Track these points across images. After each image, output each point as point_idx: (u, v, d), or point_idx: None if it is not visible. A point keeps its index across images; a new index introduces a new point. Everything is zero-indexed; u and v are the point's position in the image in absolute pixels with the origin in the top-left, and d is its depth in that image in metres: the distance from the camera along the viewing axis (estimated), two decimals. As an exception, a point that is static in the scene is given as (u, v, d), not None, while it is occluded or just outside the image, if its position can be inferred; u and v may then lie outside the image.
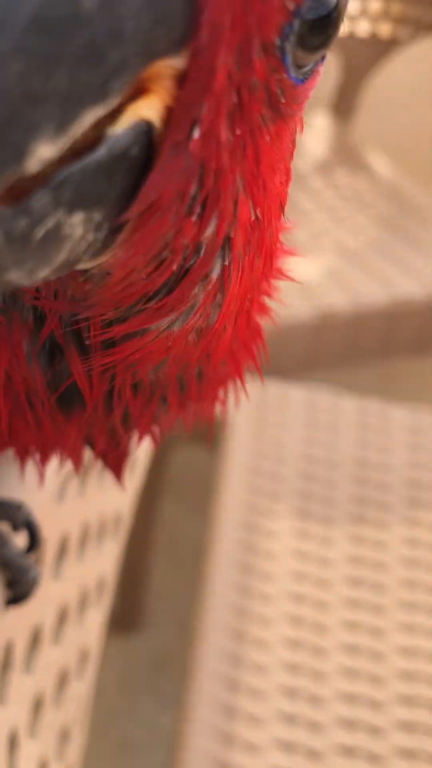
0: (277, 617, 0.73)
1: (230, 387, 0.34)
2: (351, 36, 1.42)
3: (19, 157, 0.18)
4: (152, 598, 1.22)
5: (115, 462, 0.34)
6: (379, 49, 1.43)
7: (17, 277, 0.20)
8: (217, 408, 0.34)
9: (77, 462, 0.34)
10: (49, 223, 0.19)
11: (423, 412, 0.93)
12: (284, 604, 0.75)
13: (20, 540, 0.37)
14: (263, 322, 0.32)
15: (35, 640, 0.40)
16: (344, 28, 1.29)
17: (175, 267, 0.23)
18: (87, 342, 0.27)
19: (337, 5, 0.23)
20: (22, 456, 0.33)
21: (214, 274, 0.24)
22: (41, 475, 0.34)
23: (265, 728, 0.65)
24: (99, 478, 0.47)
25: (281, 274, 0.31)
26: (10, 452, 0.33)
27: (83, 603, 0.46)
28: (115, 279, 0.23)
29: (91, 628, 0.48)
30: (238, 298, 0.26)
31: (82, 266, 0.22)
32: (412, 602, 0.77)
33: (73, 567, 0.43)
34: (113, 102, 0.19)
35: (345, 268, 1.13)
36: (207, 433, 0.88)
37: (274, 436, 0.88)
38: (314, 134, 1.45)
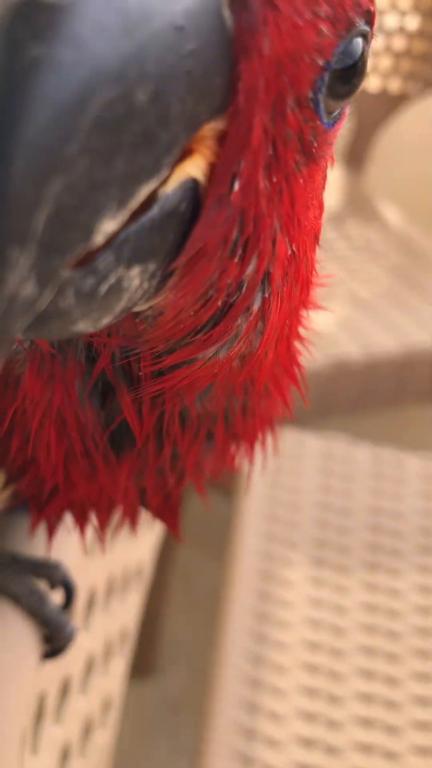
0: (292, 665, 0.74)
1: (274, 423, 0.35)
2: (362, 91, 1.46)
3: (88, 236, 0.20)
4: (167, 643, 1.23)
5: (169, 515, 0.36)
6: (389, 104, 1.47)
7: (84, 326, 0.22)
8: (258, 449, 0.36)
9: (133, 515, 0.35)
10: (112, 279, 0.22)
11: (436, 461, 0.95)
12: (299, 652, 0.76)
13: (56, 597, 0.39)
14: (301, 348, 0.34)
15: (65, 690, 0.41)
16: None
17: (219, 303, 0.25)
18: (136, 375, 0.28)
19: (362, 54, 0.25)
20: (81, 519, 0.34)
21: (256, 306, 0.26)
22: (102, 542, 0.35)
23: (281, 777, 0.66)
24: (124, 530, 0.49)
25: (316, 305, 0.33)
26: (69, 519, 0.34)
27: (108, 653, 0.48)
28: (166, 318, 0.25)
29: (114, 676, 0.49)
30: (279, 325, 0.28)
31: (136, 309, 0.24)
32: (426, 650, 0.77)
33: (99, 618, 0.45)
34: (165, 173, 0.21)
35: (357, 318, 1.15)
36: (224, 479, 0.90)
37: (290, 484, 0.90)
38: (327, 186, 1.49)
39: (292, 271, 0.27)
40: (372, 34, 0.26)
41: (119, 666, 0.52)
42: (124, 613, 0.52)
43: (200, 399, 0.30)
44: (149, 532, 0.58)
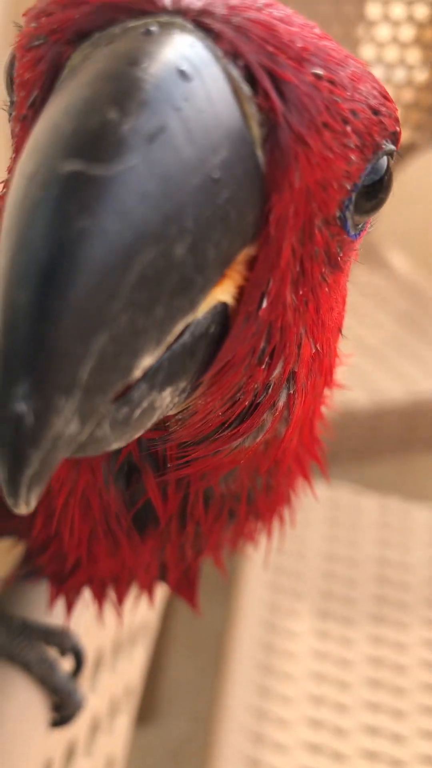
0: (295, 719, 0.73)
1: (294, 499, 0.36)
2: (371, 140, 1.49)
3: (128, 374, 0.20)
4: (169, 689, 1.21)
5: (187, 589, 0.36)
6: (398, 154, 1.50)
7: (117, 445, 0.23)
8: (278, 524, 0.36)
9: (151, 589, 0.35)
10: (145, 404, 0.22)
11: (443, 512, 0.94)
12: (303, 705, 0.75)
13: (66, 663, 0.39)
14: (322, 427, 0.35)
15: (70, 753, 0.41)
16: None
17: (247, 403, 0.25)
18: (162, 459, 0.29)
19: (387, 170, 0.25)
20: (99, 594, 0.34)
21: (281, 403, 0.26)
22: (119, 615, 0.35)
23: None
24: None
25: (337, 384, 0.34)
26: (87, 594, 0.35)
27: (113, 711, 0.48)
28: (194, 419, 0.25)
29: (119, 734, 0.49)
30: (303, 413, 0.28)
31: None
32: (431, 707, 0.77)
33: (106, 678, 0.45)
34: (198, 309, 0.22)
35: (364, 365, 1.15)
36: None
37: (296, 534, 0.90)
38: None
39: (316, 367, 0.27)
40: (397, 150, 0.26)
41: (124, 722, 0.51)
42: (130, 670, 0.52)
43: (225, 480, 0.30)
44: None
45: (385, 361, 1.17)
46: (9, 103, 0.25)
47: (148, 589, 0.36)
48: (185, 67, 0.20)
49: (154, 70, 0.19)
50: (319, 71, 0.22)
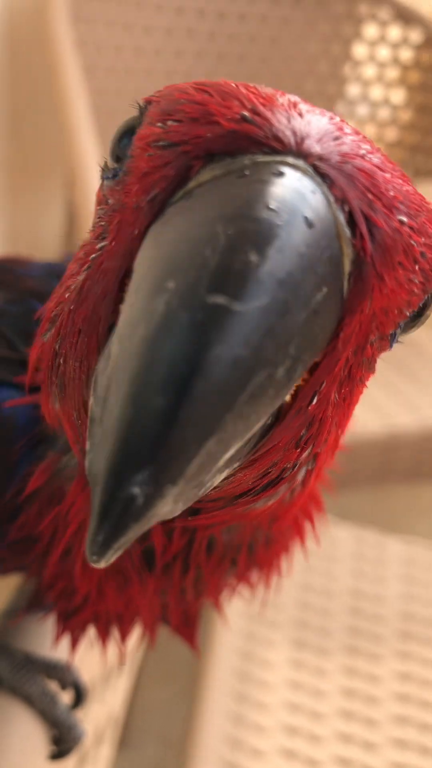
0: (269, 748, 0.74)
1: (291, 551, 0.38)
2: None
3: (217, 465, 0.24)
4: (142, 714, 1.21)
5: (187, 631, 0.37)
6: None
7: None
8: (275, 575, 0.38)
9: (153, 629, 0.37)
10: (209, 485, 0.24)
11: (417, 545, 0.96)
12: (277, 735, 0.76)
13: (65, 696, 0.39)
14: (321, 488, 0.37)
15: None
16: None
17: (274, 477, 0.28)
18: None
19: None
20: (104, 631, 0.36)
21: (300, 477, 0.29)
22: (122, 654, 0.37)
23: None
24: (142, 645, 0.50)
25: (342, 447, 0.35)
26: (92, 633, 0.36)
27: (98, 741, 0.48)
28: (226, 488, 0.27)
29: (102, 764, 0.49)
30: (314, 484, 0.31)
31: None
32: (404, 739, 0.78)
33: (95, 709, 0.45)
34: None
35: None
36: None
37: (273, 562, 0.91)
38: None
39: (332, 444, 0.30)
40: None
41: (107, 752, 0.52)
42: (115, 698, 0.53)
43: (228, 531, 0.32)
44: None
45: (363, 396, 1.19)
46: (107, 167, 0.28)
47: (151, 628, 0.37)
48: (309, 214, 0.22)
49: (287, 218, 0.22)
50: (404, 218, 0.25)
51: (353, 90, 1.51)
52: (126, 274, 0.25)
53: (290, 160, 0.23)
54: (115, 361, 0.22)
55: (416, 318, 0.28)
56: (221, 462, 0.23)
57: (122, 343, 0.22)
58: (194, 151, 0.23)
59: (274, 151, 0.23)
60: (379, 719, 0.79)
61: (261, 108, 0.24)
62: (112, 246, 0.25)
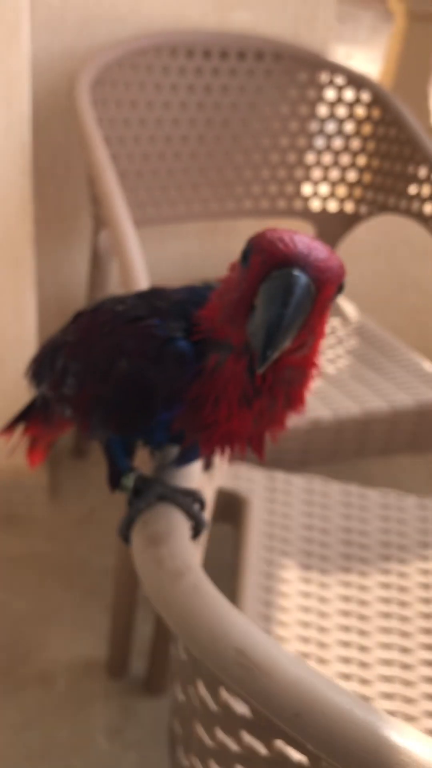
0: (289, 637, 1.01)
1: (302, 407, 0.61)
2: (324, 211, 1.81)
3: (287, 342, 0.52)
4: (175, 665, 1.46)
5: (259, 450, 0.62)
6: (345, 222, 1.82)
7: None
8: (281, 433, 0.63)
9: (253, 444, 0.62)
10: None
11: (390, 495, 1.23)
12: (295, 628, 1.02)
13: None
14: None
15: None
16: (319, 204, 1.68)
17: (299, 345, 0.54)
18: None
19: (342, 286, 0.55)
20: (229, 444, 0.61)
21: (306, 349, 0.55)
22: (240, 454, 0.62)
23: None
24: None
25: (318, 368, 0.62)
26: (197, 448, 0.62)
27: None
28: (288, 349, 0.52)
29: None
30: (313, 353, 0.57)
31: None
32: (390, 628, 1.04)
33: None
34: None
35: (327, 389, 1.45)
36: (232, 511, 1.17)
37: (282, 512, 1.18)
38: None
39: (317, 343, 0.56)
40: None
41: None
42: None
43: (287, 371, 0.58)
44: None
45: (342, 386, 1.46)
46: (243, 260, 0.52)
47: (253, 444, 0.62)
48: (304, 284, 0.48)
49: (298, 291, 0.48)
50: (331, 276, 0.50)
51: (319, 142, 1.78)
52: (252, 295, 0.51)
53: (297, 268, 0.48)
54: (260, 313, 0.48)
55: (338, 294, 0.52)
56: (290, 339, 0.49)
57: (263, 306, 0.48)
58: (272, 265, 0.49)
59: (293, 264, 0.48)
60: (370, 615, 1.06)
61: (292, 250, 0.49)
62: (247, 285, 0.51)
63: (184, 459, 0.66)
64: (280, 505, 1.17)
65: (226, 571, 1.26)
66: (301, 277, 0.49)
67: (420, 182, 1.59)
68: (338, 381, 1.46)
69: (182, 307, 0.60)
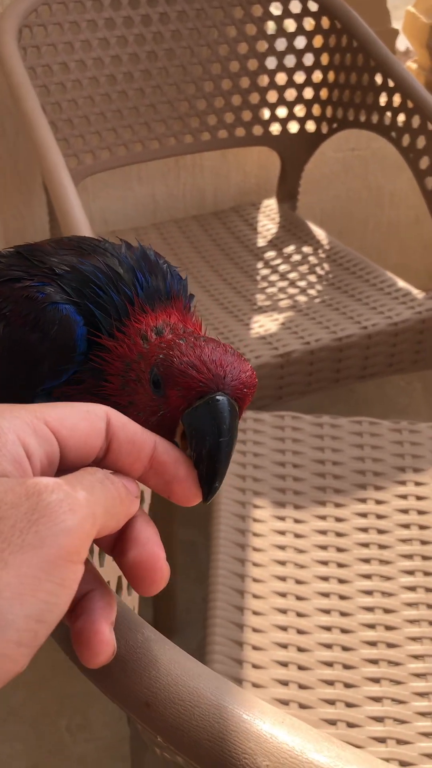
0: (266, 577, 1.00)
1: None
2: (285, 134, 1.75)
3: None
4: (183, 608, 1.49)
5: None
6: (309, 142, 1.75)
7: None
8: None
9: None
10: None
11: (363, 423, 1.21)
12: (271, 568, 1.01)
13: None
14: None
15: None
16: (279, 127, 1.63)
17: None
18: None
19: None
20: None
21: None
22: None
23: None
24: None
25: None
26: None
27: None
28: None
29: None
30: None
31: None
32: (368, 556, 1.03)
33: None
34: None
35: (298, 319, 1.42)
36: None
37: (253, 451, 1.16)
38: (266, 215, 1.77)
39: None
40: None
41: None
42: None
43: None
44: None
45: (314, 315, 1.43)
46: (155, 388, 0.48)
47: None
48: (228, 406, 0.45)
49: (226, 416, 0.45)
50: (246, 389, 0.47)
51: (271, 62, 1.71)
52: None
53: (219, 395, 0.45)
54: (195, 445, 0.45)
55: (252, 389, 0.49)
56: (229, 461, 0.46)
57: (196, 439, 0.45)
58: (191, 398, 0.46)
59: (219, 390, 0.45)
60: (348, 546, 1.05)
61: (208, 376, 0.46)
62: (169, 415, 0.48)
63: None
64: (251, 444, 1.16)
65: (201, 519, 1.25)
66: (224, 401, 0.47)
67: (376, 91, 1.52)
68: (311, 310, 1.44)
69: (83, 279, 0.56)
